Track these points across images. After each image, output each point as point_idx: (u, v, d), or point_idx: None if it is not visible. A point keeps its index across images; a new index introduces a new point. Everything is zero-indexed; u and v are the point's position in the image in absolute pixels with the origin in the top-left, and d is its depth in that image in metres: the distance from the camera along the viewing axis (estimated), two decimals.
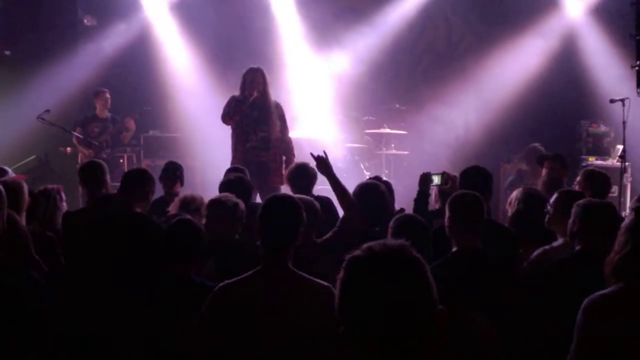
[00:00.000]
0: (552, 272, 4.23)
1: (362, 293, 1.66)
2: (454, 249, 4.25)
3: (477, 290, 3.93)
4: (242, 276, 3.55)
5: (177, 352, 3.81)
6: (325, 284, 3.49)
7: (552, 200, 4.90)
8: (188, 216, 5.35)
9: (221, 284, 3.58)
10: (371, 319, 1.64)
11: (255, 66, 8.37)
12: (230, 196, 4.86)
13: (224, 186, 5.65)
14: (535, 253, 4.66)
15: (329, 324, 3.34)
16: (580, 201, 4.31)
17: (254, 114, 8.10)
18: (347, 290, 1.69)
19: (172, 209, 5.48)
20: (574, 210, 4.24)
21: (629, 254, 3.06)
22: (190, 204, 5.49)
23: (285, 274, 3.50)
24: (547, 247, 4.65)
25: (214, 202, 4.89)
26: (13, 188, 5.04)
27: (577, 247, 4.20)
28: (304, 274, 3.54)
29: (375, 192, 5.24)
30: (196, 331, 3.56)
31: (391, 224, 4.35)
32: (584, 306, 3.10)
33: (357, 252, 1.70)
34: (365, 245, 1.72)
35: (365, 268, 1.67)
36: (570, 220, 4.23)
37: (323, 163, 5.20)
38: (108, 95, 10.73)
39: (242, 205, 4.85)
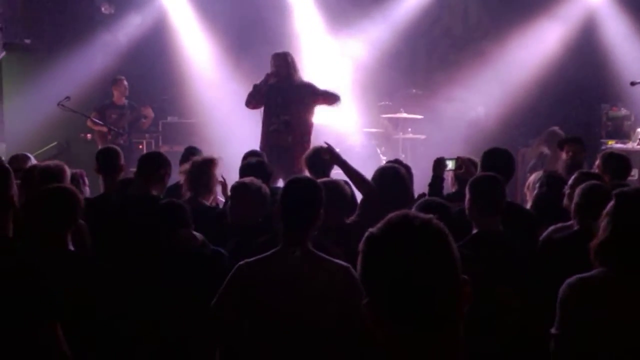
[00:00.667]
0: (549, 250, 4.31)
1: (383, 266, 1.64)
2: (474, 231, 4.26)
3: (498, 271, 3.96)
4: (261, 256, 3.60)
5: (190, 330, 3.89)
6: (345, 264, 3.53)
7: (570, 181, 4.91)
8: (204, 201, 5.43)
9: (240, 263, 3.64)
10: (392, 292, 1.63)
11: (280, 51, 8.43)
12: (255, 180, 4.90)
13: (244, 169, 5.70)
14: (545, 232, 4.70)
15: (347, 304, 3.41)
16: (584, 184, 4.36)
17: (277, 99, 8.14)
18: (368, 262, 1.68)
19: (184, 186, 5.55)
20: (576, 191, 4.33)
21: (608, 239, 3.06)
22: (200, 178, 5.49)
23: (304, 255, 3.53)
24: (556, 226, 4.68)
25: (238, 186, 4.94)
26: (56, 172, 5.11)
27: (576, 227, 4.28)
28: (323, 255, 3.58)
29: (395, 176, 5.24)
30: (215, 309, 3.61)
31: (414, 208, 4.35)
32: (562, 289, 3.11)
33: (377, 226, 1.69)
34: (386, 218, 1.70)
35: (387, 241, 1.66)
36: (573, 202, 4.33)
37: (331, 152, 5.19)
38: (126, 83, 10.84)
39: (265, 188, 4.89)
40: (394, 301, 1.63)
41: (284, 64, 8.19)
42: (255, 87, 8.25)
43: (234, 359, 3.88)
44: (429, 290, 1.62)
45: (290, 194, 3.65)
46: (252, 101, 8.26)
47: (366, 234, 1.71)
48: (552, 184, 5.31)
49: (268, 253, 3.59)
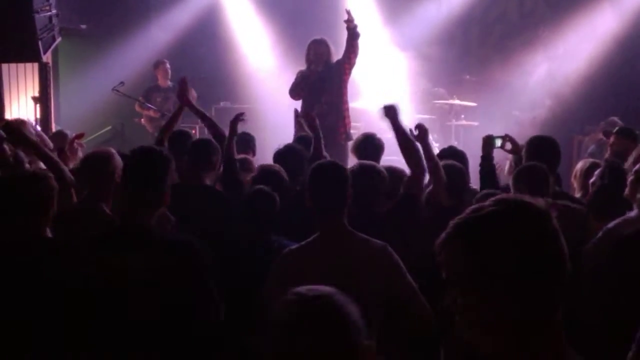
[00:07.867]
0: (619, 246, 3.92)
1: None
2: None
3: None
4: (303, 242, 3.65)
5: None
6: (382, 242, 3.56)
7: (634, 170, 4.71)
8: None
9: (285, 251, 3.69)
10: None
11: (318, 37, 8.47)
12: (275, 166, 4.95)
13: (277, 156, 5.66)
14: (606, 227, 4.25)
15: (390, 281, 3.45)
16: None
17: (317, 84, 8.26)
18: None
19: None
20: None
21: None
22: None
23: (342, 235, 3.57)
24: (619, 220, 4.26)
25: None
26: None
27: None
28: (362, 235, 3.60)
29: (456, 172, 5.03)
30: (265, 294, 3.64)
31: (474, 200, 4.23)
32: None
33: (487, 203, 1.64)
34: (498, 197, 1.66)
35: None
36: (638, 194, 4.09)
37: (391, 108, 5.06)
38: (168, 66, 10.93)
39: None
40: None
41: (326, 50, 8.30)
42: (303, 76, 8.36)
43: None
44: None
45: (318, 176, 3.66)
46: (297, 90, 8.38)
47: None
48: (614, 175, 5.07)
49: (309, 239, 3.62)
